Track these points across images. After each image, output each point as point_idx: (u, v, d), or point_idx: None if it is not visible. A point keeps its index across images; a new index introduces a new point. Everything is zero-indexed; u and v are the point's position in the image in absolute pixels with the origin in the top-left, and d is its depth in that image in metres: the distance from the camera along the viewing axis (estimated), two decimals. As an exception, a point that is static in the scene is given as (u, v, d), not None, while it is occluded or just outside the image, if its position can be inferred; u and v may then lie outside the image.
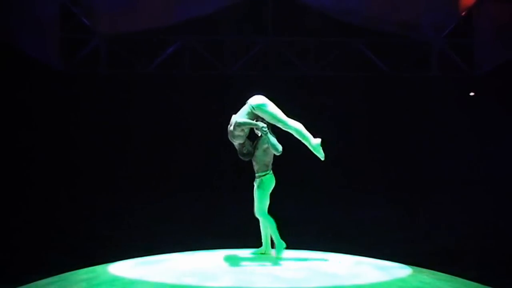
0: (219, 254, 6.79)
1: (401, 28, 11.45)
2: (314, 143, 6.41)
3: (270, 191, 6.53)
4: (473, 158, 11.52)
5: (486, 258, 9.39)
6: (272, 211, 6.61)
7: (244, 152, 6.51)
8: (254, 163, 6.53)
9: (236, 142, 6.50)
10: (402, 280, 6.01)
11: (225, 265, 6.29)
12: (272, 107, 6.46)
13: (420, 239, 10.73)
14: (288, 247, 7.38)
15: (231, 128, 6.41)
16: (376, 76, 11.76)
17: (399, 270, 6.47)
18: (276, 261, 6.44)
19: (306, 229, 10.66)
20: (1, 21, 10.13)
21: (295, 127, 6.43)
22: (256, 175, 6.52)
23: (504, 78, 10.96)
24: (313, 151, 6.42)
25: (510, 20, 10.95)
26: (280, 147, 6.34)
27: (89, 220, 10.74)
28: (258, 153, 6.46)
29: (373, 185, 11.43)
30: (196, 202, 11.09)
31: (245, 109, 6.47)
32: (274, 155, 6.50)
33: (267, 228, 6.51)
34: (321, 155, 6.43)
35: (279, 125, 6.43)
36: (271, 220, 6.52)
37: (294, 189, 11.00)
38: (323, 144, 6.39)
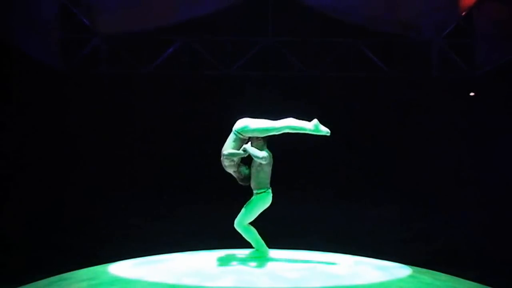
0: (219, 254, 6.80)
1: (401, 28, 11.43)
2: (311, 126, 6.40)
3: (263, 209, 6.52)
4: (473, 158, 11.52)
5: (486, 258, 9.39)
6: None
7: (242, 177, 6.53)
8: (251, 181, 6.53)
9: (230, 171, 6.52)
10: (402, 280, 6.03)
11: (225, 265, 6.30)
12: (255, 124, 6.45)
13: (420, 239, 10.74)
14: (288, 247, 7.39)
15: (223, 158, 6.44)
16: (376, 76, 11.76)
17: (399, 270, 6.49)
18: (274, 261, 6.45)
19: (306, 229, 10.67)
20: (0, 21, 10.11)
21: (286, 124, 6.42)
22: (254, 192, 6.51)
23: (504, 78, 10.94)
24: (315, 133, 6.41)
25: (510, 20, 10.93)
26: (260, 154, 6.33)
27: (89, 220, 10.74)
28: (253, 170, 6.47)
29: (373, 185, 11.42)
30: (197, 202, 11.09)
31: (231, 137, 6.48)
32: (272, 171, 6.50)
33: (250, 234, 6.52)
34: (324, 132, 6.40)
35: (273, 133, 6.43)
36: (249, 230, 6.51)
37: (294, 190, 11.01)
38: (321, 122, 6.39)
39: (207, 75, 11.70)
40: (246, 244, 6.66)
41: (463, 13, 11.41)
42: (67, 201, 10.96)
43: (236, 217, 6.54)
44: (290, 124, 6.41)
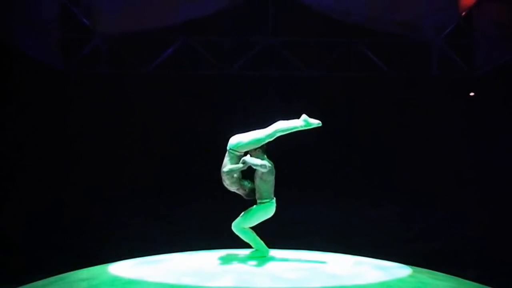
0: (219, 254, 6.80)
1: (401, 28, 11.43)
2: (301, 122, 6.43)
3: (263, 219, 6.51)
4: (472, 158, 11.51)
5: (486, 258, 9.40)
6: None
7: (247, 192, 6.53)
8: (255, 192, 6.53)
9: (234, 189, 6.52)
10: (402, 280, 6.02)
11: (225, 265, 6.30)
12: (247, 137, 6.46)
13: (420, 239, 10.74)
14: (288, 247, 7.39)
15: (224, 177, 6.44)
16: (376, 76, 11.76)
17: (399, 270, 6.49)
18: (274, 261, 6.45)
19: (306, 229, 10.67)
20: (0, 21, 10.11)
21: (277, 128, 6.44)
22: (258, 201, 6.51)
23: (504, 78, 10.95)
24: (308, 128, 6.43)
25: (510, 20, 10.93)
26: (259, 162, 6.33)
27: (89, 220, 10.74)
28: (257, 182, 6.47)
29: (373, 185, 11.42)
30: (197, 202, 11.08)
31: (227, 156, 6.48)
32: (275, 182, 6.50)
33: (248, 235, 6.52)
34: (316, 124, 6.43)
35: (267, 140, 6.45)
36: (247, 232, 6.51)
37: (294, 190, 11.00)
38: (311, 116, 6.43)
39: (207, 75, 11.69)
40: (246, 244, 6.66)
41: (463, 13, 11.41)
42: (67, 201, 10.95)
43: (235, 217, 6.54)
44: (280, 127, 6.44)
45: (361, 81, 11.72)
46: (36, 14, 10.76)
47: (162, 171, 11.48)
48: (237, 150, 6.41)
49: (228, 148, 6.45)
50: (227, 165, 6.40)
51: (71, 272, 6.55)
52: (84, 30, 11.39)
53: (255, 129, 6.55)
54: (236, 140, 6.45)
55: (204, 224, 10.66)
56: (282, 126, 6.43)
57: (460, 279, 6.63)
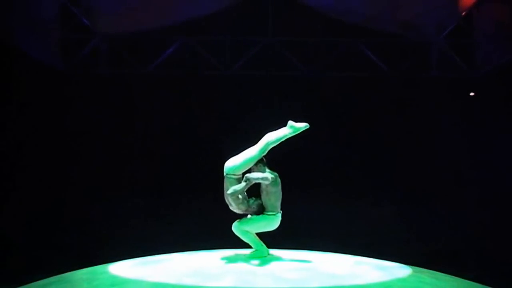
0: (219, 254, 6.81)
1: (401, 28, 11.43)
2: (289, 130, 6.47)
3: (265, 230, 6.53)
4: (473, 158, 11.51)
5: (486, 258, 9.40)
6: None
7: (256, 209, 6.54)
8: (263, 205, 6.54)
9: (242, 210, 6.53)
10: (402, 280, 6.03)
11: (225, 265, 6.30)
12: (240, 158, 6.49)
13: (420, 239, 10.74)
14: (288, 247, 7.40)
15: (229, 201, 6.45)
16: (376, 76, 11.76)
17: (399, 270, 6.49)
18: (275, 261, 6.45)
19: (306, 229, 10.67)
20: (0, 21, 10.11)
21: (267, 141, 6.48)
22: (263, 212, 6.53)
23: (504, 78, 10.94)
24: (297, 133, 6.47)
25: (510, 20, 10.93)
26: (260, 175, 6.35)
27: (89, 220, 10.74)
28: (263, 195, 6.49)
29: (372, 185, 11.42)
30: (197, 202, 11.09)
31: (226, 182, 6.50)
32: (282, 196, 6.52)
33: (248, 236, 6.53)
34: (303, 127, 6.50)
35: (261, 155, 6.49)
36: (247, 232, 6.53)
37: (294, 190, 11.00)
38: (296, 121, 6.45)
39: (207, 75, 11.69)
40: (246, 244, 6.66)
41: (463, 13, 11.41)
42: (67, 201, 10.96)
43: (235, 218, 6.54)
44: (270, 139, 6.48)
45: (361, 81, 11.72)
46: (36, 14, 10.75)
47: (162, 171, 11.48)
48: (234, 173, 6.43)
49: (225, 173, 6.47)
50: (230, 188, 6.41)
51: (71, 272, 6.56)
52: (84, 30, 11.40)
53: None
54: (231, 164, 6.48)
55: (204, 224, 10.66)
56: (272, 138, 6.47)
57: (460, 279, 6.63)
